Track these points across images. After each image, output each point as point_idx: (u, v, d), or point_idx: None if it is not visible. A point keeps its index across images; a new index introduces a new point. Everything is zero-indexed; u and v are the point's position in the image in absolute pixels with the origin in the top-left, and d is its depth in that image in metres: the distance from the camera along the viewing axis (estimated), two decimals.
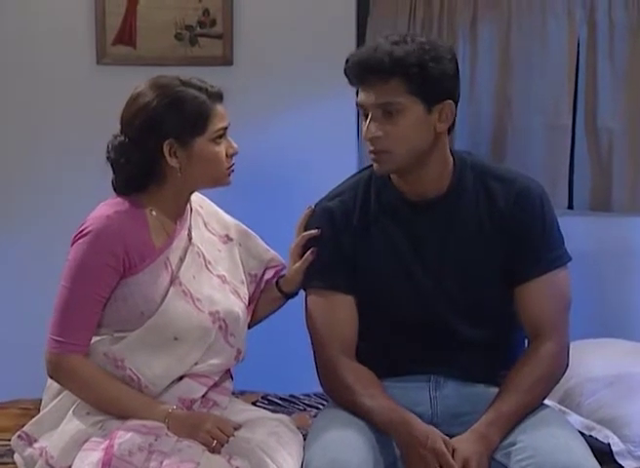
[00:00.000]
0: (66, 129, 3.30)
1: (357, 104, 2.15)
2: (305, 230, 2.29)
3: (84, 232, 2.12)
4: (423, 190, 2.20)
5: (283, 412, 2.60)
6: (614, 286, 3.43)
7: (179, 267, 2.18)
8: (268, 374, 2.97)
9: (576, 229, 3.31)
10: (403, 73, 2.06)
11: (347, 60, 2.14)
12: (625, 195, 3.46)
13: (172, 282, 2.15)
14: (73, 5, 3.30)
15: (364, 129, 2.12)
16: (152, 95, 2.13)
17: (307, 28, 3.34)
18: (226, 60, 3.32)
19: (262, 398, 2.83)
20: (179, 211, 2.22)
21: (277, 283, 2.35)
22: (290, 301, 2.37)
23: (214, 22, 3.30)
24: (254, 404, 2.72)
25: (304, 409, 2.73)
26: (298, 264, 2.28)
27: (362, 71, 2.09)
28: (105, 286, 2.12)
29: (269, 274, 2.38)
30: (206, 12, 3.29)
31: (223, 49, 3.31)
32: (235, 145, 2.21)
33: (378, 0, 3.40)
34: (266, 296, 2.36)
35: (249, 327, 2.32)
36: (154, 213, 2.17)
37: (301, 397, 2.82)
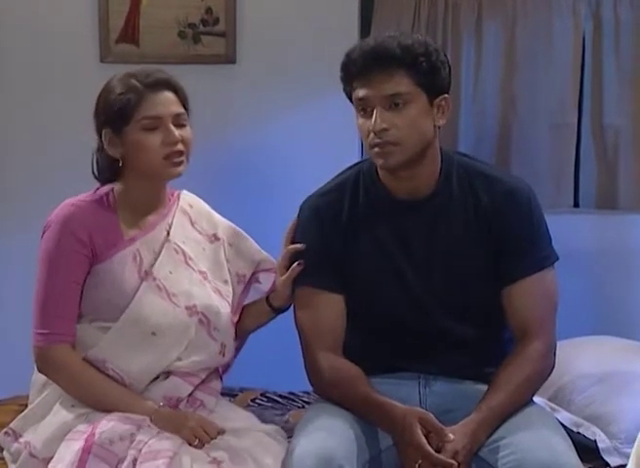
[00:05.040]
0: (69, 127, 3.29)
1: (357, 100, 2.14)
2: (293, 235, 2.29)
3: (49, 223, 2.16)
4: (414, 189, 2.20)
5: (281, 410, 2.64)
6: (619, 284, 3.40)
7: (152, 262, 2.19)
8: (268, 372, 2.96)
9: (581, 227, 3.40)
10: (412, 63, 2.08)
11: (349, 54, 2.13)
12: (632, 193, 3.43)
13: (143, 275, 2.17)
14: (77, 4, 3.31)
15: (368, 123, 2.11)
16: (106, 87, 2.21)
17: (311, 26, 3.33)
18: (229, 59, 3.32)
19: (262, 395, 2.83)
20: (150, 203, 2.23)
21: (268, 297, 2.33)
22: None
23: (217, 21, 3.30)
24: (253, 401, 2.74)
25: (303, 407, 2.71)
26: (284, 277, 2.26)
27: (370, 62, 2.09)
28: (78, 272, 2.14)
29: (267, 281, 2.36)
30: (209, 10, 3.30)
31: (226, 47, 3.31)
32: (176, 134, 2.15)
33: None
34: (255, 308, 2.35)
35: (238, 336, 2.32)
36: (124, 206, 2.20)
37: (301, 394, 2.81)
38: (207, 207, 2.37)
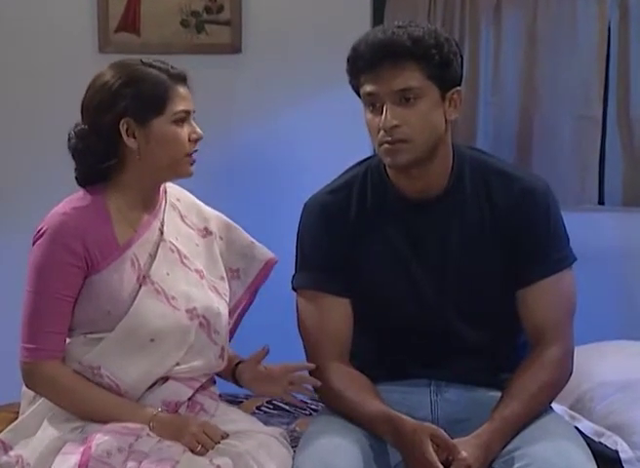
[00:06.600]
0: (67, 120, 3.23)
1: (366, 95, 2.06)
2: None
3: (41, 232, 2.09)
4: (424, 187, 2.13)
5: (289, 417, 2.60)
6: None
7: (149, 264, 2.13)
8: None
9: (606, 226, 3.37)
10: (423, 55, 2.02)
11: (356, 47, 2.06)
12: None
13: (141, 280, 2.11)
14: None
15: (377, 119, 2.04)
16: (110, 75, 2.10)
17: (319, 15, 3.30)
18: (235, 48, 3.30)
19: (268, 402, 2.77)
20: (145, 202, 2.16)
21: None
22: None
23: (221, 8, 3.29)
24: (258, 408, 2.71)
25: (310, 414, 2.65)
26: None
27: (379, 56, 2.02)
28: (70, 285, 2.07)
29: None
30: None
31: (232, 36, 3.29)
32: (199, 131, 2.13)
33: None
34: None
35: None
36: (118, 207, 2.12)
37: (309, 402, 2.72)
38: (193, 198, 2.31)
